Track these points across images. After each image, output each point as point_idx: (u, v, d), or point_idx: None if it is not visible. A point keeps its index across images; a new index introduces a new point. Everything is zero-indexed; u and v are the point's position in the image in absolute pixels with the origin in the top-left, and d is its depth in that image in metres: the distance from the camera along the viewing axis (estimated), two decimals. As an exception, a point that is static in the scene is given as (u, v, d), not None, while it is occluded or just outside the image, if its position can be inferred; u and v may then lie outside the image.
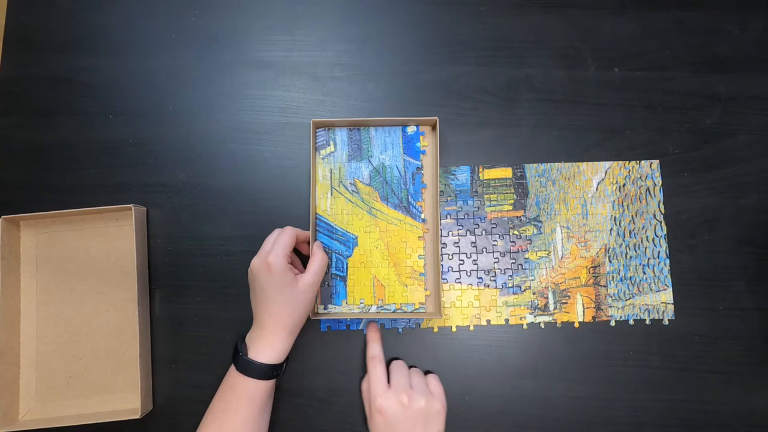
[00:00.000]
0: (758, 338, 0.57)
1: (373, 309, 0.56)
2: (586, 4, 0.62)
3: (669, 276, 0.58)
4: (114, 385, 0.56)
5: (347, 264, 0.57)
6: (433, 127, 0.58)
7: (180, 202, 0.59)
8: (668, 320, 0.57)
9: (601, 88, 0.61)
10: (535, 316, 0.57)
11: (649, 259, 0.58)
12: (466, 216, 0.59)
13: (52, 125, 0.60)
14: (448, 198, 0.59)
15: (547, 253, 0.58)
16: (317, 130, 0.58)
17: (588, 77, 0.61)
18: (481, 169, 0.60)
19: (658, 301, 0.57)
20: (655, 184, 0.59)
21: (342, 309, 0.56)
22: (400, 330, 0.57)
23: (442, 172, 0.59)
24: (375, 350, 0.54)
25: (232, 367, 0.49)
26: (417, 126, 0.59)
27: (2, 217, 0.55)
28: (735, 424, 0.56)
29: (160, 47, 0.62)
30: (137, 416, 0.52)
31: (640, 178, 0.59)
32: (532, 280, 0.58)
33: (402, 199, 0.58)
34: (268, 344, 0.49)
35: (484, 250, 0.58)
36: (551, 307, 0.58)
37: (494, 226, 0.59)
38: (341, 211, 0.58)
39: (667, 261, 0.58)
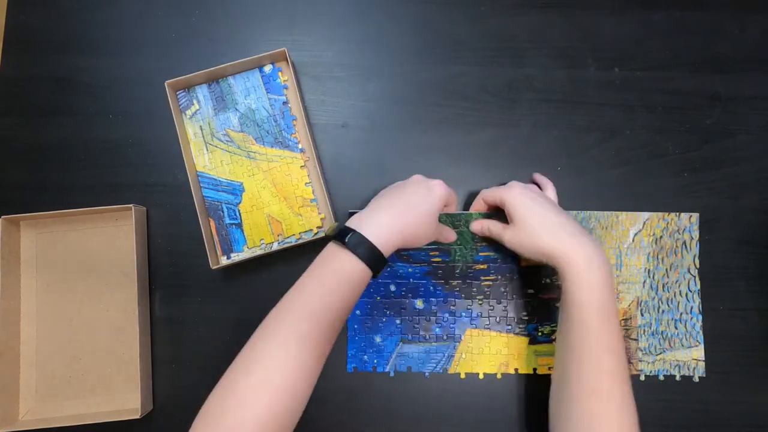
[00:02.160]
0: (758, 338, 0.57)
1: (275, 245, 0.57)
2: (586, 4, 0.62)
3: (701, 332, 0.56)
4: (114, 385, 0.56)
5: (239, 211, 0.58)
6: (286, 60, 0.59)
7: (180, 202, 0.58)
8: (699, 377, 0.56)
9: (601, 88, 0.61)
10: None
11: (681, 314, 0.57)
12: (499, 262, 0.57)
13: (52, 125, 0.60)
14: (483, 243, 0.57)
15: None
16: (178, 92, 0.59)
17: (588, 77, 0.61)
18: None
19: (689, 357, 0.56)
20: (692, 238, 0.58)
21: (244, 254, 0.57)
22: (427, 375, 0.56)
23: (473, 219, 0.56)
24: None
25: (337, 250, 0.44)
26: (273, 63, 0.60)
27: (2, 217, 0.55)
28: (735, 424, 0.56)
29: (160, 47, 0.62)
30: (137, 416, 0.52)
31: (678, 231, 0.58)
32: None
33: (276, 136, 0.59)
34: (385, 235, 0.44)
35: (515, 297, 0.57)
36: None
37: (527, 273, 0.57)
38: (221, 163, 0.59)
39: (700, 317, 0.57)
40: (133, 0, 0.62)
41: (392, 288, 0.57)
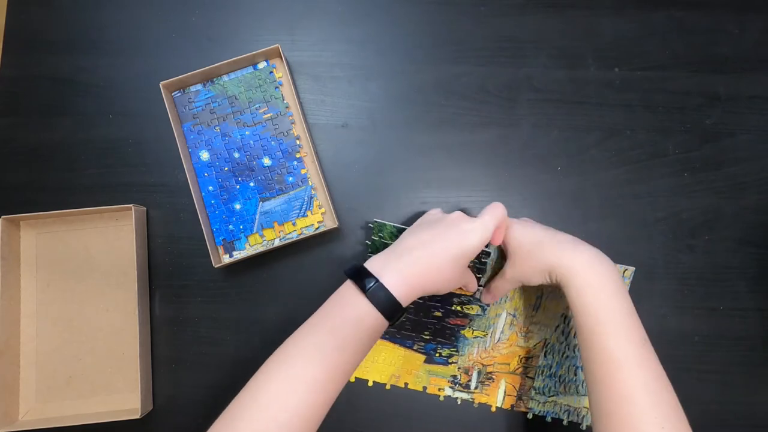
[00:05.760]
0: (758, 338, 0.57)
1: (277, 242, 0.57)
2: (586, 4, 0.62)
3: None
4: (114, 385, 0.56)
5: None
6: (280, 56, 0.59)
7: (180, 202, 0.59)
8: (586, 426, 0.55)
9: (601, 88, 0.61)
10: (453, 391, 0.56)
11: None
12: None
13: (52, 125, 0.60)
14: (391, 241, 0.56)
15: (484, 334, 0.56)
16: (173, 93, 0.59)
17: (588, 77, 0.61)
18: None
19: (580, 404, 0.55)
20: None
21: (247, 251, 0.57)
22: None
23: (396, 231, 0.55)
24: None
25: (354, 296, 0.43)
26: (267, 60, 0.60)
27: (2, 217, 0.55)
28: (735, 424, 0.56)
29: (160, 47, 0.62)
30: (137, 416, 0.52)
31: None
32: (461, 355, 0.56)
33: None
34: (405, 287, 0.43)
35: (420, 315, 0.57)
36: (473, 385, 0.56)
37: (435, 298, 0.56)
38: None
39: None
40: (133, 0, 0.62)
41: (236, 155, 0.58)
